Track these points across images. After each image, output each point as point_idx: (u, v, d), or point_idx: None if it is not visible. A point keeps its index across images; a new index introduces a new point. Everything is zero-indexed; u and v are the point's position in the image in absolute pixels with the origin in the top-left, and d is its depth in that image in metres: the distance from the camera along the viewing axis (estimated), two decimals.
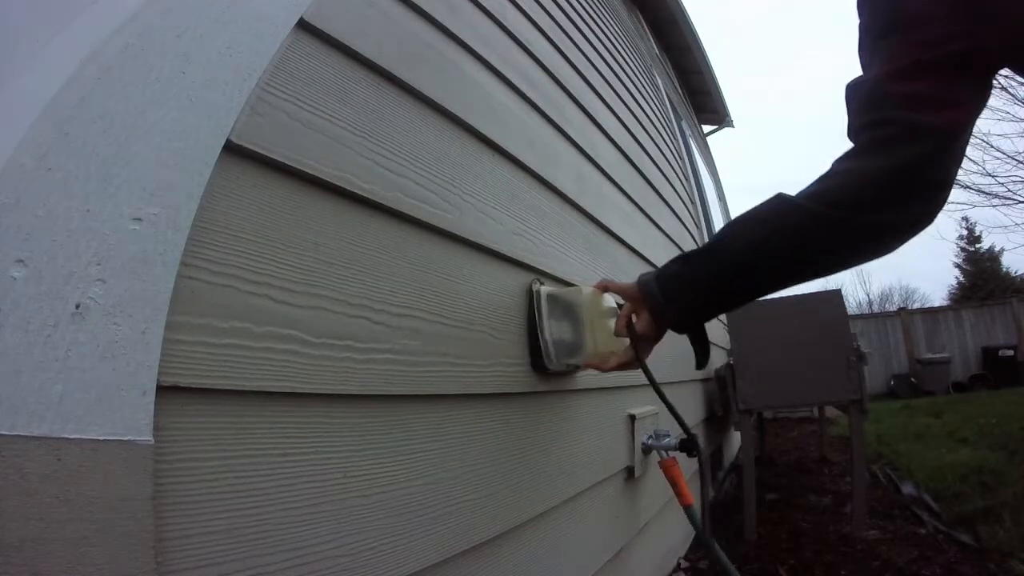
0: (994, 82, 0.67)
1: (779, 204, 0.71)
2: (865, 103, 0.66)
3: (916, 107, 0.61)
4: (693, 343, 0.85)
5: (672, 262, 0.81)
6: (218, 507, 0.47)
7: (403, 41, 0.79)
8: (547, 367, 0.98)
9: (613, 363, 0.90)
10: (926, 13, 0.62)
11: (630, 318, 0.86)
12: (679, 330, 0.83)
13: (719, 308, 0.81)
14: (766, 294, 0.77)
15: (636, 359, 0.86)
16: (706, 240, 3.43)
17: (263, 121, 0.55)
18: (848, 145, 0.68)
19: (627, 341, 0.87)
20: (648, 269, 1.87)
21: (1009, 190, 8.39)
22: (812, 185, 0.69)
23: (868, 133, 0.65)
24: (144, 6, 0.48)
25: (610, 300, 0.95)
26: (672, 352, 1.59)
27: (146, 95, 0.46)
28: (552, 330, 1.00)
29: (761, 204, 0.73)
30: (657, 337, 0.86)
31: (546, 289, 1.03)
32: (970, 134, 0.66)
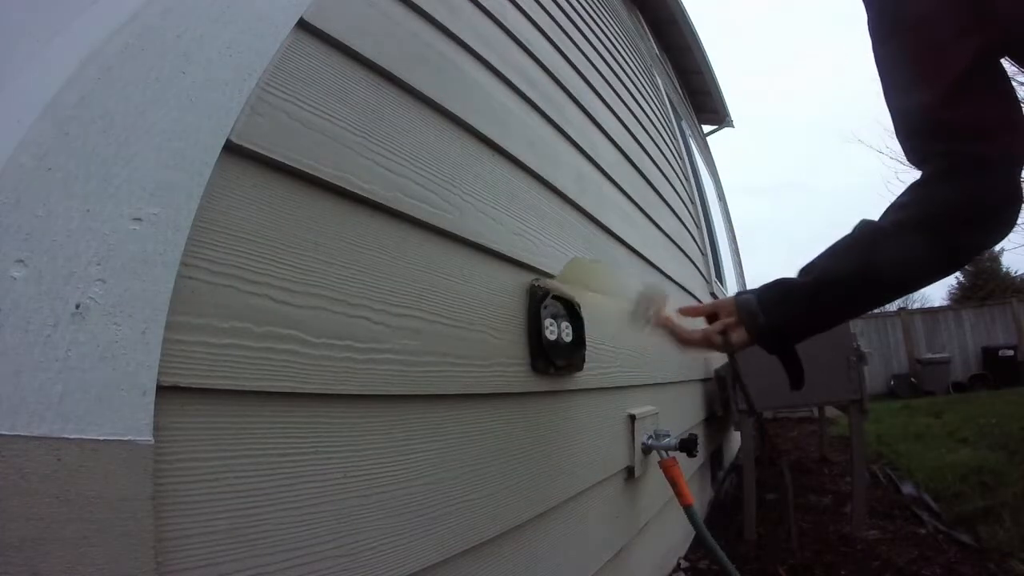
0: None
1: (869, 231, 0.74)
2: (920, 133, 0.68)
3: (969, 138, 0.64)
4: (786, 365, 0.87)
5: (771, 287, 0.83)
6: (218, 507, 0.47)
7: (403, 41, 0.79)
8: (548, 367, 0.98)
9: (693, 334, 0.89)
10: (924, 8, 0.62)
11: (725, 332, 0.86)
12: (771, 350, 0.85)
13: (811, 331, 0.83)
14: (854, 317, 0.81)
15: (721, 346, 0.87)
16: (706, 241, 3.43)
17: (263, 121, 0.55)
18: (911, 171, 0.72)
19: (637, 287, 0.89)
20: (648, 269, 1.87)
21: None
22: (893, 212, 0.72)
23: (933, 163, 0.68)
24: (144, 6, 0.48)
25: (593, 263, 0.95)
26: (671, 355, 1.60)
27: (146, 95, 0.46)
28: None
29: (849, 232, 0.77)
30: (739, 348, 0.87)
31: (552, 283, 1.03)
32: None
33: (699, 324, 0.90)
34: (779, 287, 0.81)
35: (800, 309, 0.79)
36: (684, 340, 0.90)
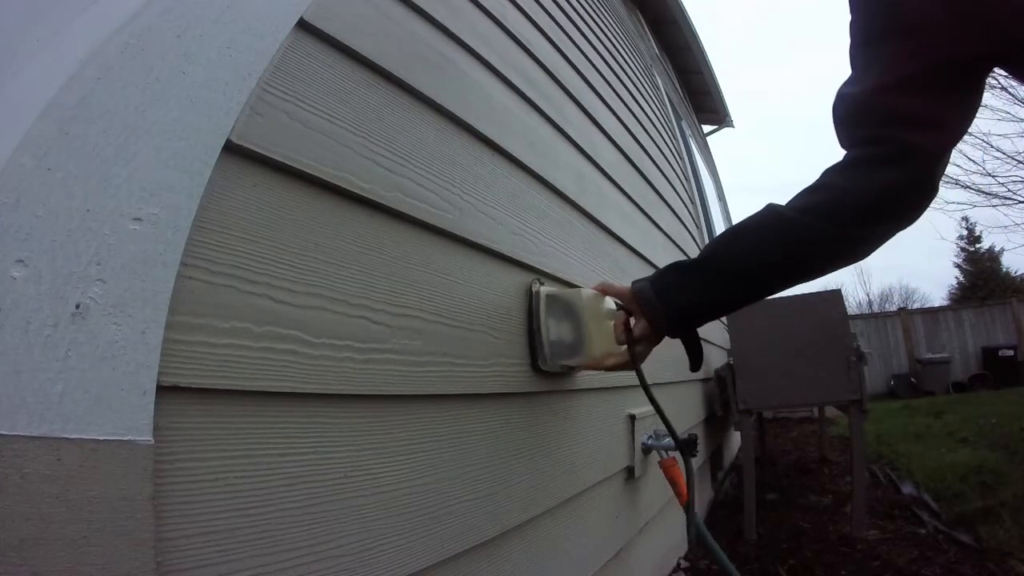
0: (994, 82, 0.68)
1: (769, 215, 0.74)
2: (857, 115, 0.68)
3: (907, 126, 0.64)
4: (687, 347, 0.87)
5: (666, 269, 0.84)
6: (218, 507, 0.47)
7: (403, 41, 0.79)
8: (541, 367, 0.98)
9: (610, 363, 0.91)
10: (922, 17, 0.62)
11: (628, 322, 0.87)
12: (673, 334, 0.85)
13: (712, 314, 0.84)
14: (756, 300, 0.79)
15: (632, 362, 0.88)
16: (706, 241, 3.43)
17: (263, 121, 0.55)
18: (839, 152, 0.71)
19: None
20: (648, 269, 1.87)
21: (1009, 190, 8.39)
22: (802, 196, 0.72)
23: (859, 149, 0.68)
24: (144, 6, 0.48)
25: (610, 302, 0.96)
26: (672, 354, 1.59)
27: (146, 95, 0.46)
28: (550, 331, 1.00)
29: (753, 215, 0.76)
30: (655, 341, 0.88)
31: (546, 289, 1.03)
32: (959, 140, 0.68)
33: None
34: (674, 271, 0.81)
35: (695, 294, 0.79)
36: (604, 367, 0.92)
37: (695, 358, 0.88)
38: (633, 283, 0.86)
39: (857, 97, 0.67)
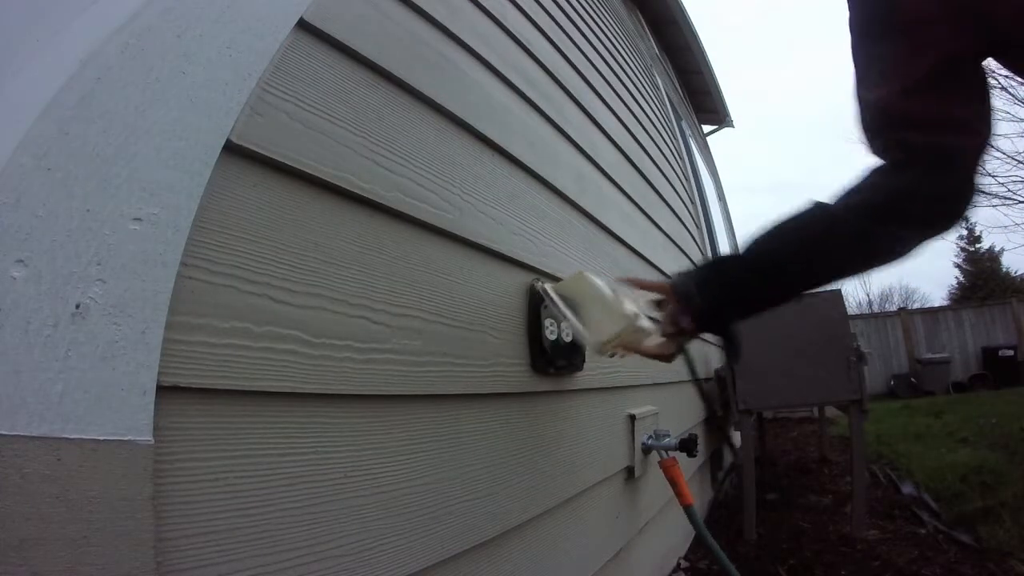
0: (993, 82, 0.68)
1: (815, 211, 0.73)
2: (883, 122, 0.68)
3: (934, 129, 0.64)
4: (725, 343, 0.87)
5: (707, 264, 0.83)
6: (218, 507, 0.47)
7: (403, 41, 0.79)
8: (548, 367, 0.98)
9: (651, 348, 0.88)
10: (921, 14, 0.62)
11: (675, 315, 0.85)
12: (712, 329, 0.84)
13: (752, 309, 0.82)
14: (795, 296, 0.79)
15: (677, 352, 0.87)
16: (706, 241, 3.43)
17: (263, 121, 0.55)
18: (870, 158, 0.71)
19: (621, 323, 0.87)
20: (648, 269, 1.87)
21: (1009, 190, 8.39)
22: (848, 195, 0.71)
23: (893, 153, 0.68)
24: (144, 6, 0.48)
25: (598, 282, 0.95)
26: None
27: (146, 95, 0.46)
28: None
29: (796, 211, 0.75)
30: (693, 335, 0.86)
31: (551, 286, 1.03)
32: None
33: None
34: (715, 267, 0.81)
35: (735, 289, 0.78)
36: (647, 354, 0.89)
37: (733, 353, 0.87)
38: (672, 276, 0.86)
39: (876, 103, 0.67)
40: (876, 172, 0.70)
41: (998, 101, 7.39)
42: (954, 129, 0.64)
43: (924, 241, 0.71)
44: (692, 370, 0.90)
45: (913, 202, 0.66)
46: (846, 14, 0.70)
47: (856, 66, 0.69)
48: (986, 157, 0.68)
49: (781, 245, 0.75)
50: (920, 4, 0.62)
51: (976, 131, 0.65)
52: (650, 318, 0.89)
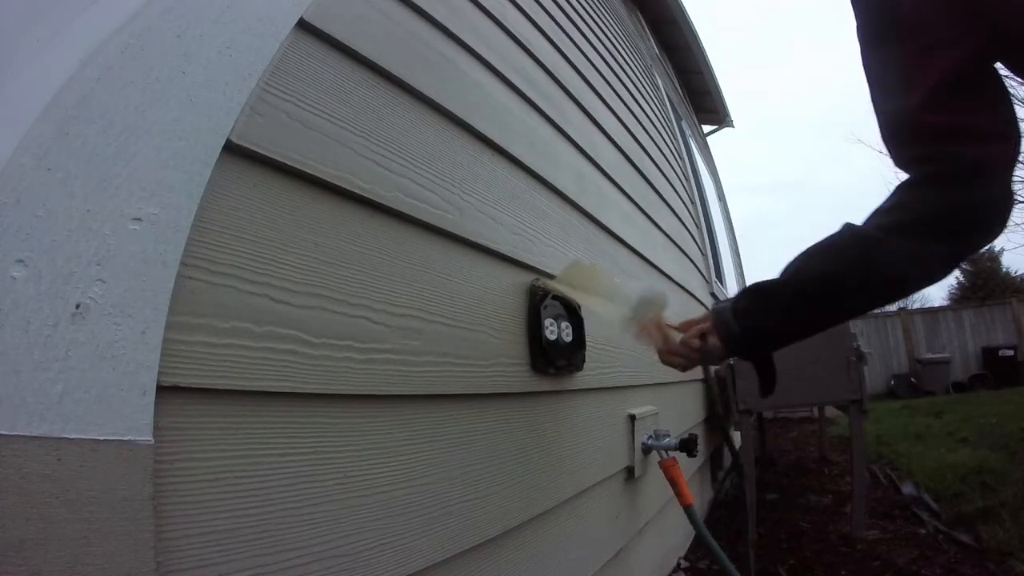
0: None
1: (848, 236, 0.71)
2: (903, 136, 0.67)
3: (953, 140, 0.62)
4: (759, 371, 0.84)
5: (745, 291, 0.81)
6: (218, 507, 0.47)
7: (403, 41, 0.79)
8: (548, 367, 0.98)
9: (672, 345, 0.88)
10: (921, 17, 0.61)
11: (704, 334, 0.84)
12: (745, 355, 0.83)
13: (789, 338, 0.80)
14: (834, 324, 0.77)
15: (694, 365, 0.87)
16: (707, 241, 3.43)
17: (263, 121, 0.55)
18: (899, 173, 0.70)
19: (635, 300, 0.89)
20: (648, 269, 1.87)
21: None
22: (879, 216, 0.70)
23: (917, 168, 0.66)
24: (144, 6, 0.48)
25: (598, 267, 0.96)
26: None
27: (146, 95, 0.46)
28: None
29: (830, 235, 0.73)
30: (720, 360, 0.85)
31: (555, 281, 1.04)
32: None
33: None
34: (754, 293, 0.79)
35: (775, 316, 0.76)
36: (668, 349, 0.89)
37: (767, 382, 0.84)
38: (713, 305, 0.85)
39: (899, 116, 0.66)
40: (906, 189, 0.68)
41: None
42: (980, 137, 0.62)
43: (964, 255, 0.68)
44: (712, 402, 0.89)
45: (948, 218, 0.64)
46: (853, 22, 0.70)
47: (868, 75, 0.69)
48: (1018, 163, 0.66)
49: (821, 271, 0.73)
50: (921, 9, 0.61)
51: (1004, 136, 0.63)
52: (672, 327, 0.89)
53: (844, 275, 0.71)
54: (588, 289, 0.99)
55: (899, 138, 0.67)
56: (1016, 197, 8.54)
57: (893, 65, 0.65)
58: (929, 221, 0.66)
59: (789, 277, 0.75)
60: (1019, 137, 0.64)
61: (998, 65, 0.65)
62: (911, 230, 0.66)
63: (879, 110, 0.69)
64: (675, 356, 0.88)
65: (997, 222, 0.66)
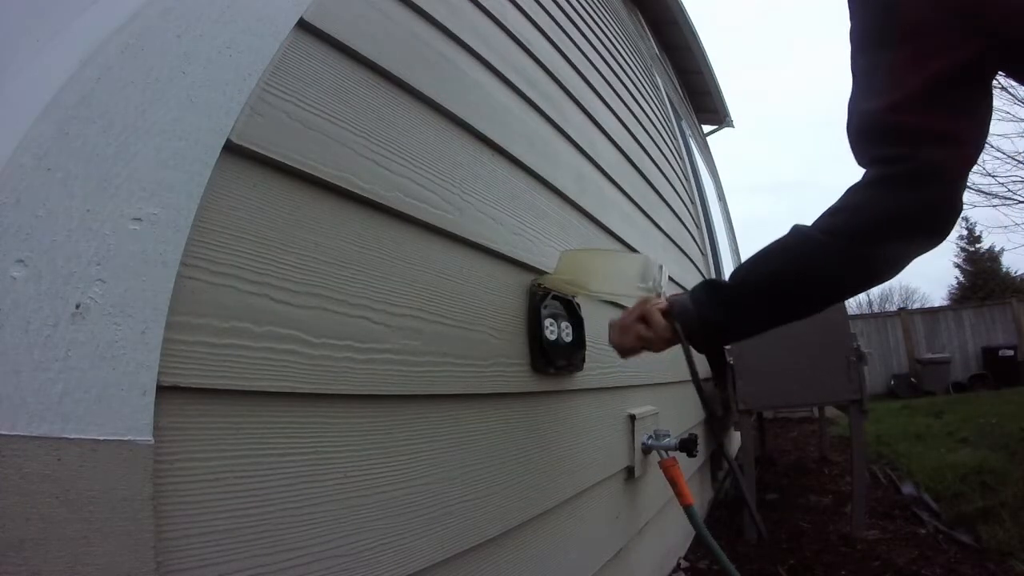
0: (994, 82, 0.67)
1: (794, 236, 0.74)
2: (871, 134, 0.67)
3: (924, 143, 0.63)
4: (711, 360, 0.89)
5: (701, 285, 0.84)
6: (218, 507, 0.47)
7: (403, 41, 0.79)
8: (548, 367, 0.98)
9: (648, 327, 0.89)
10: (919, 22, 0.61)
11: (643, 319, 0.88)
12: (699, 346, 0.86)
13: (738, 333, 0.84)
14: (783, 322, 0.79)
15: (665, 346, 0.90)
16: (707, 241, 3.43)
17: (263, 121, 0.55)
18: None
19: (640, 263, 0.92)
20: None
21: (1009, 190, 8.39)
22: (825, 217, 0.72)
23: (879, 168, 0.67)
24: (144, 6, 0.48)
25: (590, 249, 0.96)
26: (672, 355, 1.59)
27: (146, 95, 0.46)
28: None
29: (780, 237, 0.76)
30: (670, 341, 0.88)
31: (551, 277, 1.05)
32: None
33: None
34: (706, 288, 0.83)
35: (721, 312, 0.80)
36: (621, 325, 0.92)
37: (718, 371, 0.90)
38: (671, 296, 0.88)
39: (871, 115, 0.66)
40: (858, 190, 0.69)
41: (998, 101, 7.39)
42: (942, 142, 0.62)
43: (904, 260, 0.70)
44: (690, 361, 0.92)
45: (893, 222, 0.66)
46: (848, 25, 0.70)
47: (855, 77, 0.69)
48: (971, 170, 0.66)
49: (766, 271, 0.76)
50: (919, 12, 0.61)
51: (965, 143, 0.64)
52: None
53: (788, 275, 0.74)
54: (586, 275, 1.00)
55: (867, 136, 0.68)
56: (1016, 197, 8.53)
57: (883, 68, 0.65)
58: (874, 224, 0.67)
59: (738, 277, 0.79)
60: (980, 146, 0.65)
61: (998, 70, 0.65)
62: (854, 233, 0.68)
63: (854, 109, 0.69)
64: (626, 336, 0.91)
65: (939, 229, 0.67)
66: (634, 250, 1.71)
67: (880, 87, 0.65)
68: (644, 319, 0.88)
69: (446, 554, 0.72)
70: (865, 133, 0.68)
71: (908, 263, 0.71)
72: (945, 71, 0.61)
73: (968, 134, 0.64)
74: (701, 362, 2.63)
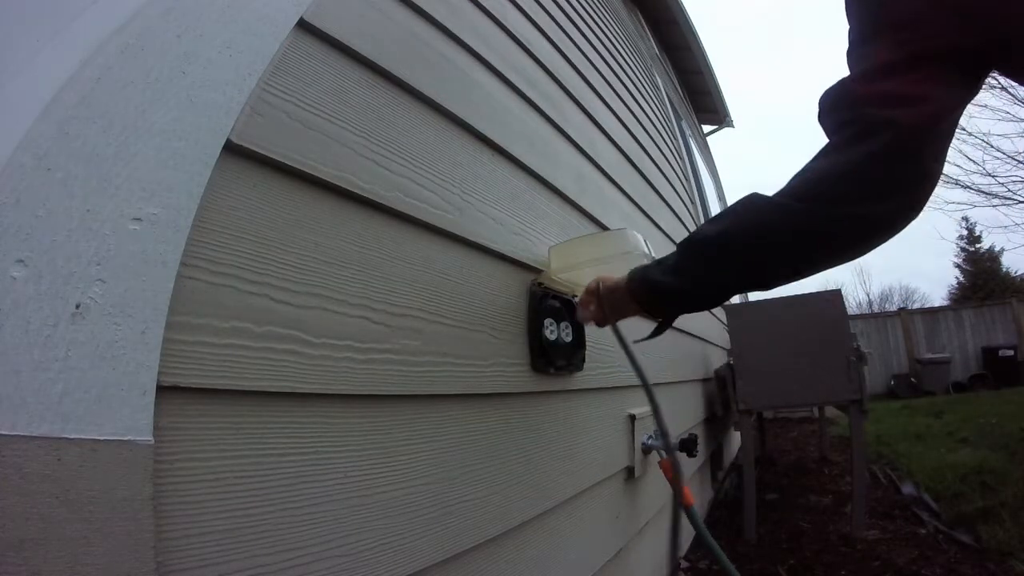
0: (994, 82, 0.67)
1: (749, 200, 0.72)
2: (834, 105, 0.66)
3: (881, 104, 0.61)
4: (658, 326, 0.88)
5: (655, 261, 0.84)
6: (218, 507, 0.47)
7: (403, 41, 0.79)
8: (548, 367, 0.98)
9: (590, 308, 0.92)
10: (908, 17, 0.61)
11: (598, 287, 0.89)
12: (653, 313, 0.84)
13: (690, 302, 0.81)
14: (741, 290, 0.77)
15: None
16: None
17: (263, 121, 0.55)
18: None
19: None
20: None
21: (1009, 190, 8.40)
22: (785, 185, 0.69)
23: (837, 134, 0.65)
24: (144, 6, 0.48)
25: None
26: (671, 356, 1.60)
27: (146, 95, 0.46)
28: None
29: (735, 201, 0.74)
30: (625, 305, 0.87)
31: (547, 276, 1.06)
32: (950, 129, 0.64)
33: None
34: (658, 262, 0.82)
35: (672, 275, 0.78)
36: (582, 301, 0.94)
37: (654, 335, 0.89)
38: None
39: (837, 87, 0.66)
40: (817, 156, 0.67)
41: (998, 101, 7.39)
42: (902, 102, 0.60)
43: (876, 227, 0.65)
44: (623, 345, 0.95)
45: (871, 168, 0.62)
46: (846, 28, 0.70)
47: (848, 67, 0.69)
48: (940, 143, 0.63)
49: (715, 232, 0.73)
50: (915, 10, 0.61)
51: (927, 102, 0.60)
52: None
53: (740, 237, 0.70)
54: (580, 266, 1.02)
55: (835, 104, 0.66)
56: (1016, 197, 8.52)
57: (867, 55, 0.64)
58: (828, 180, 0.64)
59: (693, 238, 0.76)
60: (948, 114, 0.62)
61: (995, 73, 0.65)
62: (809, 192, 0.65)
63: (826, 89, 0.67)
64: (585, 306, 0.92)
65: (900, 187, 0.63)
66: None
67: (857, 69, 0.65)
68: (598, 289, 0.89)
69: (446, 554, 0.72)
70: (829, 103, 0.67)
71: (878, 236, 0.66)
72: (930, 48, 0.60)
73: (935, 97, 0.61)
74: (699, 362, 2.63)
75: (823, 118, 0.68)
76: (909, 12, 0.61)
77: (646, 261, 0.90)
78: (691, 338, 2.36)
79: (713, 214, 4.26)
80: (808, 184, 0.66)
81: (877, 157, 0.61)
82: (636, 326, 1.03)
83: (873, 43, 0.65)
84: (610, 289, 0.88)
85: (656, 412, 1.13)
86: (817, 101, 0.69)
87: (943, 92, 0.61)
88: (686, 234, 2.80)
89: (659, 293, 0.80)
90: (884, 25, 0.64)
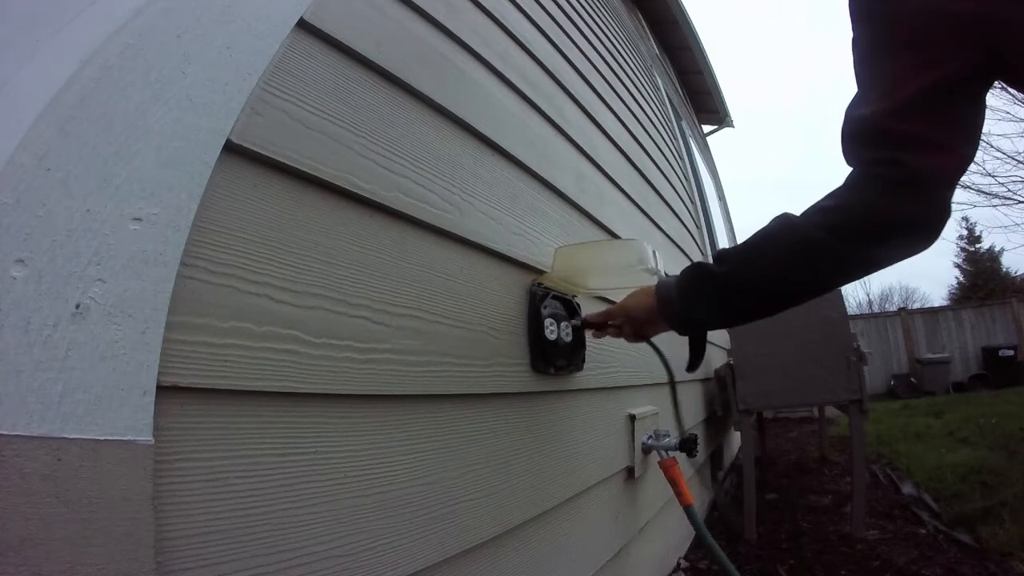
0: (994, 83, 0.67)
1: (786, 229, 0.73)
2: (864, 137, 0.68)
3: (917, 149, 0.63)
4: (692, 347, 0.91)
5: (688, 270, 0.84)
6: (218, 507, 0.47)
7: (403, 41, 0.79)
8: (548, 368, 0.98)
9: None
10: (918, 33, 0.62)
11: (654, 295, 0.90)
12: (684, 331, 0.88)
13: (724, 322, 0.87)
14: (767, 314, 0.80)
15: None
16: (706, 241, 3.43)
17: (263, 121, 0.55)
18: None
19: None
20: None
21: (1009, 190, 8.40)
22: (817, 213, 0.71)
23: (870, 168, 0.67)
24: (144, 6, 0.48)
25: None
26: (672, 354, 1.60)
27: (146, 95, 0.46)
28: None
29: (768, 227, 0.75)
30: (650, 321, 0.91)
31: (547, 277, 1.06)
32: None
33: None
34: (694, 274, 0.82)
35: (705, 300, 0.80)
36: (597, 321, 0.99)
37: (695, 359, 0.92)
38: (660, 280, 0.91)
39: (865, 120, 0.67)
40: (850, 189, 0.69)
41: (998, 101, 7.39)
42: (937, 149, 0.63)
43: (899, 259, 0.70)
44: (663, 360, 0.97)
45: (910, 221, 0.66)
46: (850, 34, 0.70)
47: (859, 84, 0.69)
48: (962, 177, 0.67)
49: (756, 263, 0.76)
50: (919, 23, 0.62)
51: (958, 149, 0.65)
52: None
53: (783, 276, 0.74)
54: (585, 271, 1.02)
55: (860, 139, 0.68)
56: (1016, 197, 8.53)
57: (880, 76, 0.66)
58: (872, 226, 0.67)
59: (727, 266, 0.78)
60: (971, 155, 0.66)
61: (997, 82, 0.65)
62: (854, 233, 0.68)
63: (849, 115, 0.69)
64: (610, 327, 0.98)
65: (933, 233, 0.68)
66: None
67: (876, 95, 0.66)
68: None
69: (446, 554, 0.72)
70: (858, 137, 0.68)
71: (895, 262, 0.72)
72: (941, 80, 0.61)
73: (962, 141, 0.65)
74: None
75: (851, 148, 0.70)
76: (914, 29, 0.62)
77: (655, 278, 0.92)
78: None
79: (713, 215, 4.26)
80: (852, 223, 0.68)
81: (918, 208, 0.65)
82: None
83: (885, 61, 0.65)
84: (641, 316, 0.92)
85: (676, 411, 1.15)
86: (841, 128, 0.71)
87: (964, 135, 0.65)
88: (686, 234, 2.77)
89: (696, 328, 0.87)
90: (894, 42, 0.64)
